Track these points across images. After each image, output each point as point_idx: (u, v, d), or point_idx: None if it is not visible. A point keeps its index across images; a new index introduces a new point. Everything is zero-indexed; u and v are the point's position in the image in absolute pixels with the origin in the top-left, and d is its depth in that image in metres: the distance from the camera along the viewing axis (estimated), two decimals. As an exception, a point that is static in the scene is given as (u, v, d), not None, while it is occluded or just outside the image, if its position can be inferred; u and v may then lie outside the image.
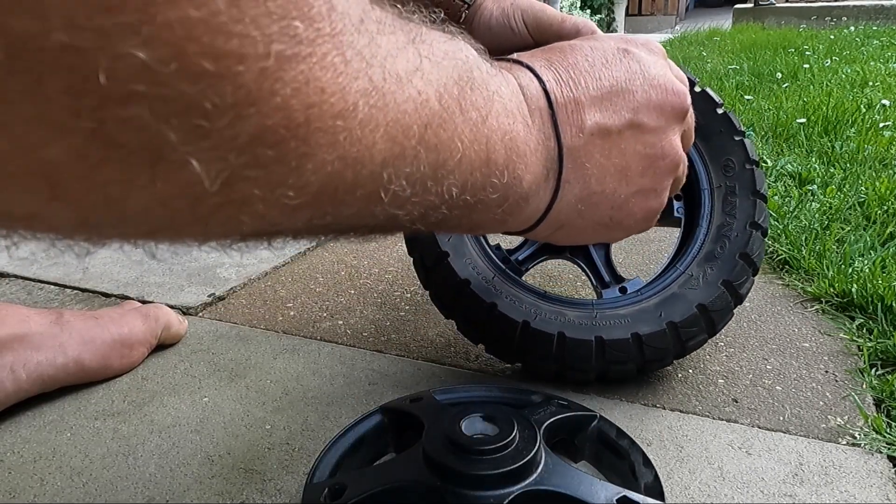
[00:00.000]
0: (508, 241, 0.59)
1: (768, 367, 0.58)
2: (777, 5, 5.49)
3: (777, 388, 0.55)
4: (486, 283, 0.54)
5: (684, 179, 0.43)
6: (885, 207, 0.91)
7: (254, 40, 0.16)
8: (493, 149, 0.29)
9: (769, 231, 0.68)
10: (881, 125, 1.38)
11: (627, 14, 7.81)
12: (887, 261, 0.73)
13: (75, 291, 0.77)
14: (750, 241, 0.53)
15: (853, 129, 1.38)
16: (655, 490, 0.39)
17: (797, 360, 0.59)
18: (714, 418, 0.50)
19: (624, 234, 0.41)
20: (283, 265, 0.84)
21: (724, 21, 5.74)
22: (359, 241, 0.28)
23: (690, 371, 0.57)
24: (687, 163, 0.42)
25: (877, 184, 0.99)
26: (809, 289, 0.72)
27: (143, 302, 0.68)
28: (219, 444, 0.48)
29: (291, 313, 0.70)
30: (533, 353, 0.53)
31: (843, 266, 0.73)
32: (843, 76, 2.13)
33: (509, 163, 0.30)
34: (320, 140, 0.19)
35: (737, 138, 0.56)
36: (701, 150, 0.56)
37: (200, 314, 0.71)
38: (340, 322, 0.68)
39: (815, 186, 1.04)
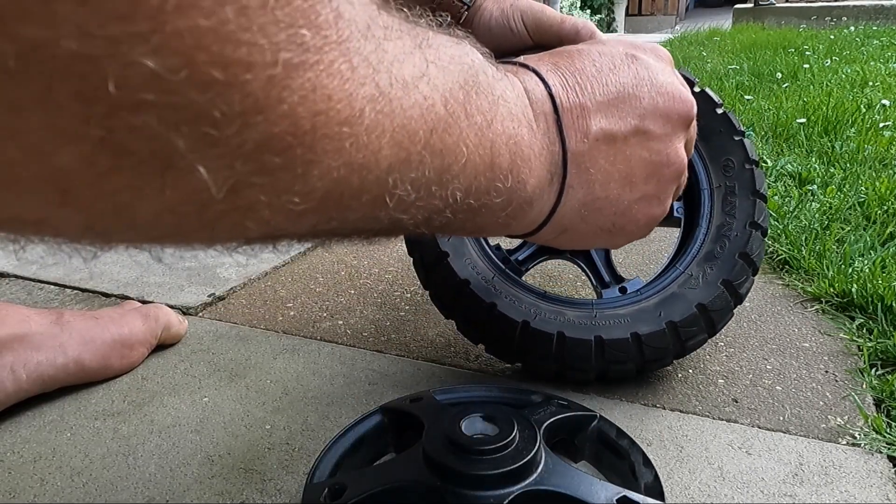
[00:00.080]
0: (508, 242, 0.58)
1: (768, 367, 0.58)
2: (777, 5, 5.49)
3: (777, 388, 0.55)
4: (486, 283, 0.54)
5: (685, 184, 0.43)
6: (885, 207, 0.91)
7: (262, 49, 0.16)
8: (498, 153, 0.29)
9: (769, 231, 0.68)
10: (881, 125, 1.38)
11: (627, 14, 7.82)
12: (887, 261, 0.73)
13: (75, 291, 0.77)
14: (750, 241, 0.53)
15: (853, 129, 1.38)
16: (655, 490, 0.39)
17: (797, 360, 0.59)
18: (714, 418, 0.51)
19: (626, 239, 0.41)
20: (283, 265, 0.84)
21: (724, 21, 5.74)
22: (362, 243, 0.28)
23: (690, 371, 0.57)
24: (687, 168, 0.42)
25: (877, 184, 0.99)
26: (809, 289, 0.72)
27: (143, 302, 0.68)
28: (219, 444, 0.48)
29: (291, 313, 0.70)
30: (533, 352, 0.53)
31: (843, 266, 0.73)
32: (843, 76, 2.14)
33: (513, 167, 0.30)
34: (326, 147, 0.19)
35: (736, 138, 0.56)
36: (701, 150, 0.56)
37: (200, 314, 0.71)
38: (340, 322, 0.68)
39: (815, 186, 1.04)
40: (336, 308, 0.71)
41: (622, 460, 0.42)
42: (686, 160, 0.40)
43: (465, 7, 0.48)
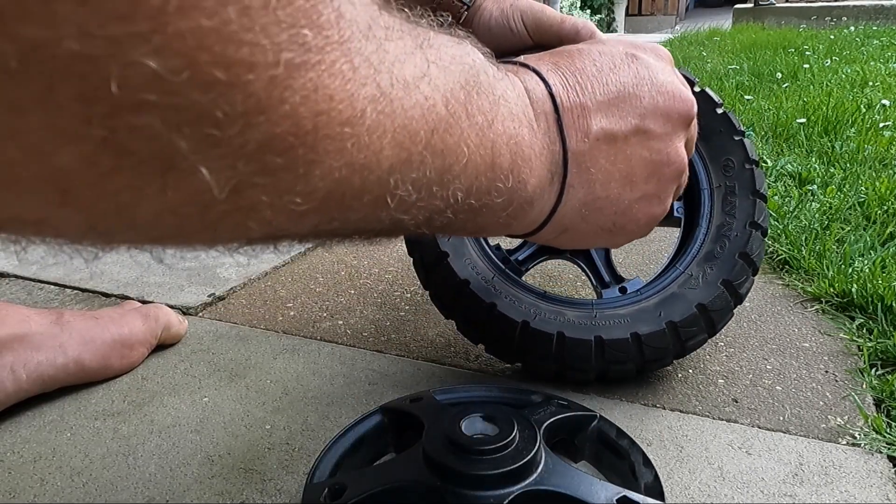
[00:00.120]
0: (508, 242, 0.58)
1: (768, 367, 0.58)
2: (777, 5, 5.49)
3: (777, 388, 0.55)
4: (486, 283, 0.54)
5: (685, 184, 0.43)
6: (885, 207, 0.91)
7: (264, 49, 0.16)
8: (499, 153, 0.29)
9: (769, 231, 0.68)
10: (881, 125, 1.38)
11: (627, 14, 7.82)
12: (887, 261, 0.73)
13: (75, 291, 0.77)
14: (750, 241, 0.53)
15: (853, 129, 1.38)
16: (655, 490, 0.39)
17: (797, 360, 0.59)
18: (714, 418, 0.51)
19: (626, 239, 0.41)
20: (283, 265, 0.84)
21: (723, 21, 5.74)
22: (362, 243, 0.28)
23: (690, 371, 0.57)
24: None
25: (877, 184, 0.99)
26: (809, 289, 0.72)
27: (143, 302, 0.68)
28: (219, 444, 0.48)
29: (291, 313, 0.70)
30: (533, 352, 0.53)
31: (843, 266, 0.73)
32: (843, 76, 2.14)
33: (514, 167, 0.30)
34: (328, 147, 0.19)
35: (736, 138, 0.56)
36: (701, 149, 0.56)
37: (200, 314, 0.71)
38: (340, 322, 0.68)
39: (815, 186, 1.04)
40: (336, 308, 0.71)
41: (622, 460, 0.42)
42: (686, 159, 0.40)
43: (465, 7, 0.48)
